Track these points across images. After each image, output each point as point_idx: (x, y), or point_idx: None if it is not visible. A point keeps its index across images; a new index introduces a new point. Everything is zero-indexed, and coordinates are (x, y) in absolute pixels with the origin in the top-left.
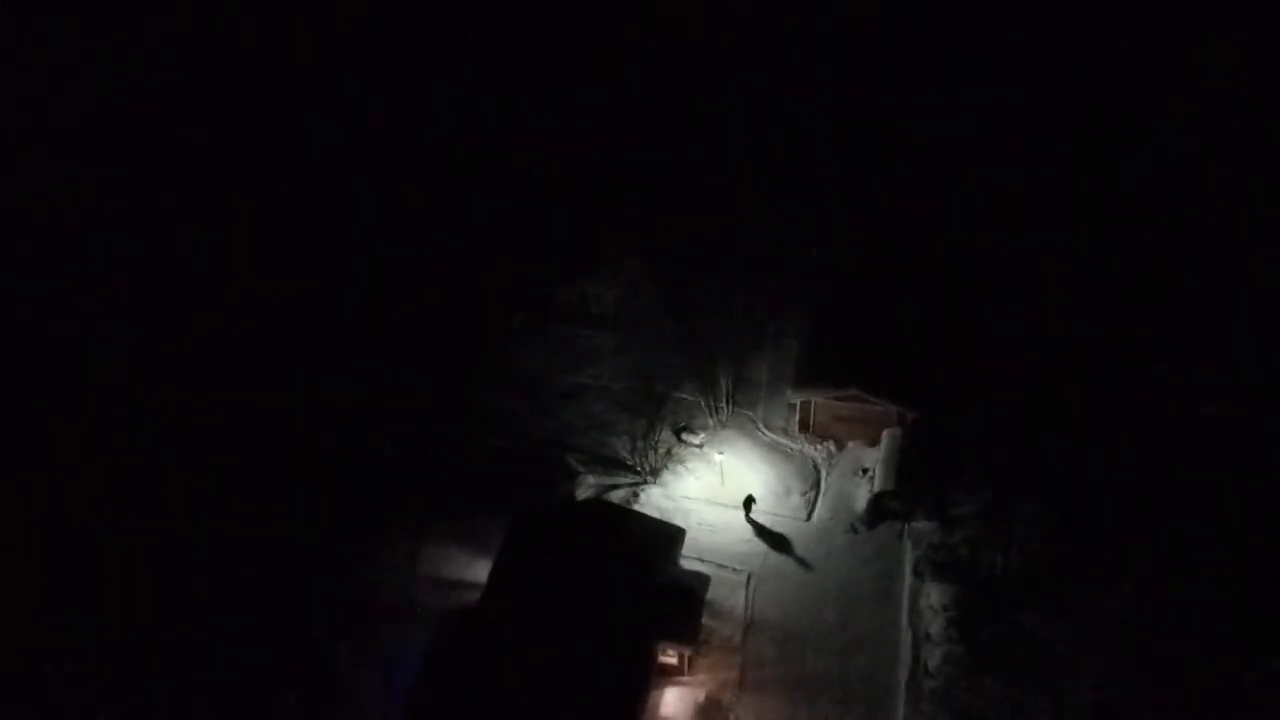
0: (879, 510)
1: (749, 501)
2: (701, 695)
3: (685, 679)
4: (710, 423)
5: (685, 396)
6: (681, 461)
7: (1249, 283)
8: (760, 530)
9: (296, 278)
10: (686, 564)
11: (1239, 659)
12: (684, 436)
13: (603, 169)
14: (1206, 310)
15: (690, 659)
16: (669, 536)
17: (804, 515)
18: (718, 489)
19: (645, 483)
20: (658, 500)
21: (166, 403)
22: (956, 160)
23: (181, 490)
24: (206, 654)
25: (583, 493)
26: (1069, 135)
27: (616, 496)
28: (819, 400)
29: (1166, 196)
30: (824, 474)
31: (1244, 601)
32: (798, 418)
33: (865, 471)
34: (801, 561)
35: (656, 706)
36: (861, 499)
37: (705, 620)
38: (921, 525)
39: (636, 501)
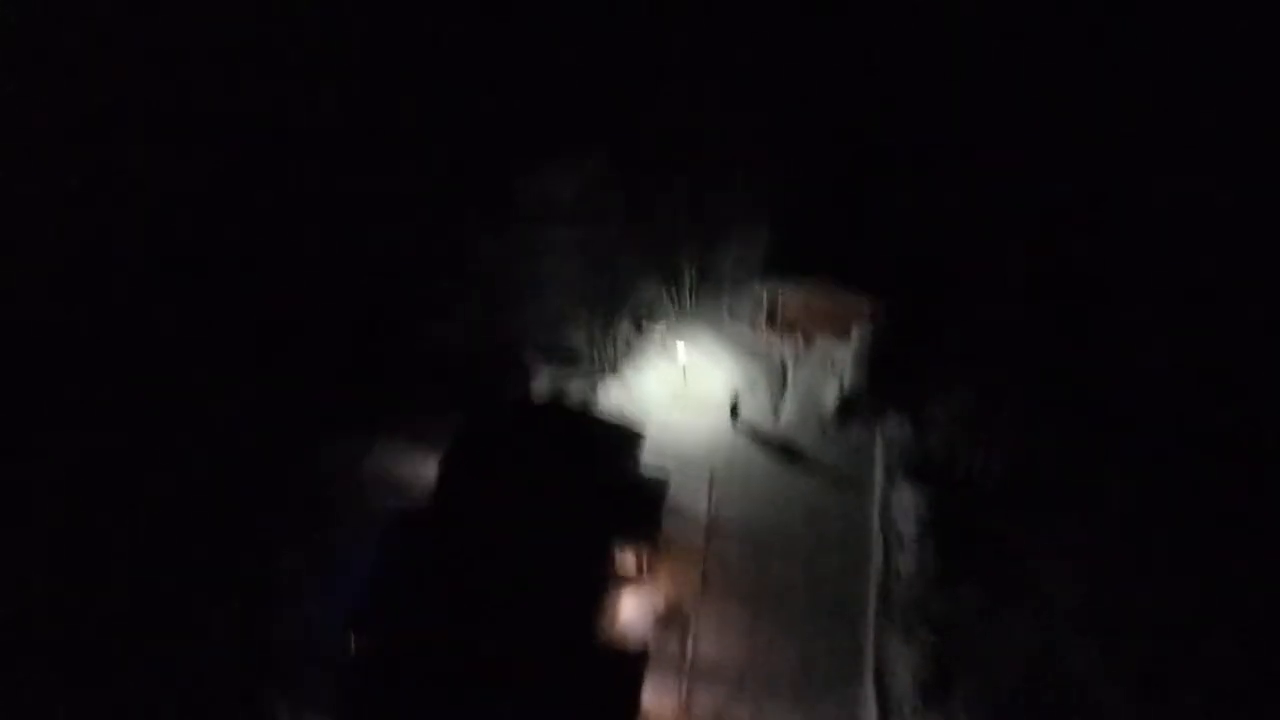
0: (849, 408)
1: (735, 406)
2: (661, 602)
3: (644, 585)
4: (673, 316)
5: (647, 289)
6: (642, 356)
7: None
8: (749, 434)
9: (253, 168)
10: (646, 466)
11: (1232, 569)
12: (644, 328)
13: (569, 61)
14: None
15: (649, 562)
16: (627, 437)
17: (770, 413)
18: (680, 387)
19: (604, 376)
20: (617, 398)
21: (120, 288)
22: (929, 50)
23: (123, 389)
24: (143, 560)
25: (540, 388)
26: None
27: (575, 391)
28: (787, 291)
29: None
30: (791, 370)
31: (1237, 505)
32: (765, 311)
33: (835, 367)
34: (767, 462)
35: (615, 615)
36: (831, 396)
37: (665, 524)
38: (894, 424)
39: (596, 398)
